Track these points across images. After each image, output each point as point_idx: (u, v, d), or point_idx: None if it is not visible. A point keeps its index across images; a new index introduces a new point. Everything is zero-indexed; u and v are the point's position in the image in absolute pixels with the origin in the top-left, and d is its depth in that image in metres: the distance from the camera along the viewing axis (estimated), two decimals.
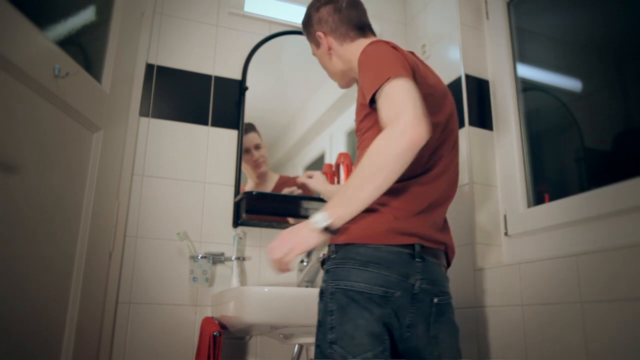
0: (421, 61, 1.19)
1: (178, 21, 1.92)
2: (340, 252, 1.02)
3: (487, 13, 1.90)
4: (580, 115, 1.58)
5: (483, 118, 1.78)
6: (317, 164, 1.95)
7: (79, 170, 1.45)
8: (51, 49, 1.29)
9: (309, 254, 1.68)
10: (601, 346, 1.15)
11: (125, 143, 1.70)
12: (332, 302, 1.00)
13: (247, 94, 1.90)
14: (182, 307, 1.67)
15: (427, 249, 1.03)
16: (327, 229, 0.92)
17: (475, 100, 1.78)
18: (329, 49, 1.25)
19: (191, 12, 1.95)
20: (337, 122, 2.02)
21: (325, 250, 1.71)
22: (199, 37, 1.93)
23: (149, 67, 1.83)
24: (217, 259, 1.72)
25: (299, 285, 1.69)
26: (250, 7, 2.04)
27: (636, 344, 1.07)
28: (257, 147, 1.88)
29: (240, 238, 1.76)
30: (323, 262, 1.08)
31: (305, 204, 1.81)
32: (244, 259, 1.76)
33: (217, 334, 1.43)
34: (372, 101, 0.97)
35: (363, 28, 1.24)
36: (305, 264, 1.68)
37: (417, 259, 1.01)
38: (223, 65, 1.94)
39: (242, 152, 1.85)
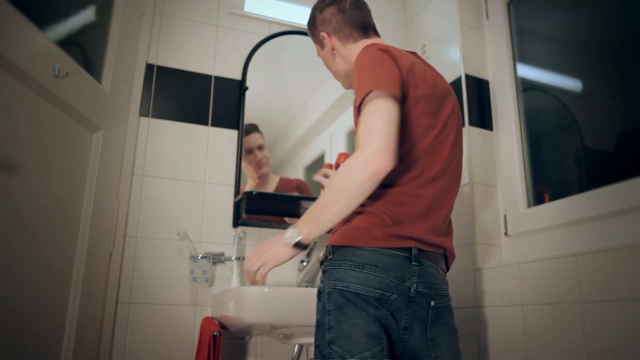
0: (422, 60, 1.19)
1: (178, 21, 1.92)
2: (338, 254, 1.03)
3: (487, 13, 1.90)
4: (580, 115, 1.58)
5: (483, 118, 1.78)
6: (317, 164, 1.95)
7: (79, 170, 1.45)
8: (51, 49, 1.29)
9: (308, 254, 1.69)
10: (601, 346, 1.15)
11: (125, 143, 1.70)
12: (329, 302, 1.00)
13: (247, 94, 1.91)
14: (182, 307, 1.67)
15: (424, 252, 1.03)
16: (298, 244, 1.00)
17: (475, 100, 1.78)
18: (333, 49, 1.25)
19: (191, 12, 1.95)
20: (337, 122, 2.02)
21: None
22: (199, 37, 1.93)
23: (149, 67, 1.83)
24: (217, 259, 1.72)
25: (298, 285, 1.69)
26: (250, 7, 2.04)
27: (636, 344, 1.07)
28: (260, 147, 1.88)
29: (240, 238, 1.76)
30: (321, 263, 1.08)
31: (305, 204, 1.81)
32: (244, 259, 1.76)
33: (217, 334, 1.43)
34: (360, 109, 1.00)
35: (366, 29, 1.24)
36: (305, 264, 1.68)
37: (414, 263, 1.01)
38: (223, 65, 1.94)
39: (245, 152, 1.85)
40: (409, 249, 1.01)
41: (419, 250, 1.02)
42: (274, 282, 1.75)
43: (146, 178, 1.74)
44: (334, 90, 1.94)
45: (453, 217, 1.17)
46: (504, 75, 1.77)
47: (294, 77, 2.02)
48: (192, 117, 1.84)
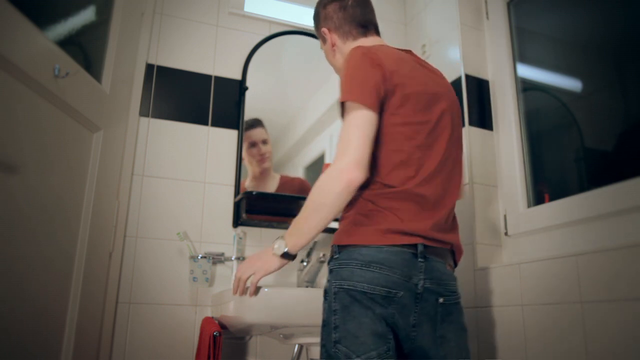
0: (417, 59, 1.20)
1: (178, 21, 1.92)
2: (344, 253, 1.03)
3: (487, 13, 1.90)
4: (580, 115, 1.58)
5: (483, 118, 1.78)
6: (317, 164, 1.95)
7: (79, 170, 1.45)
8: (51, 49, 1.29)
9: (308, 254, 1.69)
10: (601, 346, 1.15)
11: (125, 143, 1.70)
12: (335, 301, 1.00)
13: (247, 94, 1.91)
14: (182, 307, 1.67)
15: (430, 248, 1.03)
16: (285, 255, 1.07)
17: (475, 100, 1.79)
18: (333, 45, 1.28)
19: (191, 12, 1.95)
20: (337, 122, 2.01)
21: (325, 251, 1.71)
22: (199, 37, 1.93)
23: (149, 67, 1.83)
24: (217, 259, 1.72)
25: (299, 285, 1.69)
26: (250, 7, 2.04)
27: (636, 344, 1.07)
28: (265, 142, 1.89)
29: (240, 238, 1.76)
30: (327, 263, 1.09)
31: None
32: (244, 259, 1.76)
33: (217, 334, 1.43)
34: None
35: (367, 27, 1.26)
36: (305, 264, 1.68)
37: (420, 259, 1.01)
38: (223, 65, 1.94)
39: (248, 145, 1.86)
40: (415, 246, 1.01)
41: (425, 246, 1.02)
42: (274, 283, 1.75)
43: (146, 178, 1.74)
44: (334, 90, 1.93)
45: None
46: (504, 75, 1.77)
47: (294, 77, 2.02)
48: (192, 117, 1.84)
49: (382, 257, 0.99)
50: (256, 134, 1.88)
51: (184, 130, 1.82)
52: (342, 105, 1.06)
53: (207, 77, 1.90)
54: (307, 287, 1.65)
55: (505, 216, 1.68)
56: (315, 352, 1.46)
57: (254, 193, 1.73)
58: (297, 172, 1.93)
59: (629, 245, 1.13)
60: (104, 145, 1.54)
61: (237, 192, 1.81)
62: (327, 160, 1.96)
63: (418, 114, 1.07)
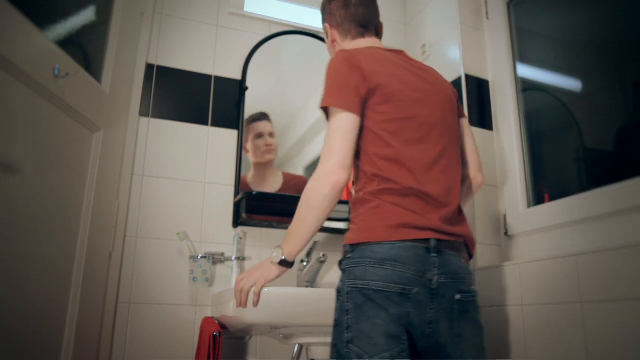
0: (404, 59, 1.21)
1: (178, 21, 1.92)
2: (356, 252, 1.03)
3: (487, 13, 1.90)
4: (580, 115, 1.58)
5: (483, 118, 1.78)
6: (317, 164, 1.95)
7: (79, 170, 1.45)
8: (51, 49, 1.29)
9: (308, 254, 1.69)
10: (601, 346, 1.15)
11: (125, 143, 1.70)
12: (348, 301, 1.00)
13: (247, 94, 1.91)
14: (182, 307, 1.67)
15: (444, 242, 1.03)
16: (283, 263, 1.09)
17: (475, 100, 1.78)
18: (333, 41, 1.31)
19: (191, 12, 1.95)
20: None
21: (325, 251, 1.72)
22: (199, 37, 1.93)
23: (149, 67, 1.83)
24: (217, 259, 1.72)
25: (299, 285, 1.69)
26: (250, 7, 2.04)
27: (636, 344, 1.07)
28: (271, 135, 1.90)
29: (240, 238, 1.76)
30: (340, 263, 1.09)
31: None
32: (244, 259, 1.76)
33: (217, 334, 1.43)
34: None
35: (367, 27, 1.27)
36: (305, 264, 1.68)
37: (433, 254, 1.01)
38: (223, 65, 1.94)
39: (254, 137, 1.87)
40: (427, 240, 1.01)
41: (438, 240, 1.02)
42: (274, 283, 1.74)
43: (146, 178, 1.74)
44: None
45: None
46: (504, 75, 1.77)
47: (294, 77, 2.02)
48: (192, 117, 1.84)
49: (395, 254, 0.99)
50: (263, 126, 1.90)
51: (184, 130, 1.82)
52: (326, 110, 1.10)
53: (207, 77, 1.90)
54: (307, 287, 1.65)
55: (505, 216, 1.68)
56: (316, 352, 1.46)
57: (254, 193, 1.73)
58: (297, 172, 1.93)
59: (629, 245, 1.13)
60: (104, 145, 1.54)
61: (237, 192, 1.81)
62: None
63: (402, 111, 1.09)
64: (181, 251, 1.71)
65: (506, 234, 1.66)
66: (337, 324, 1.02)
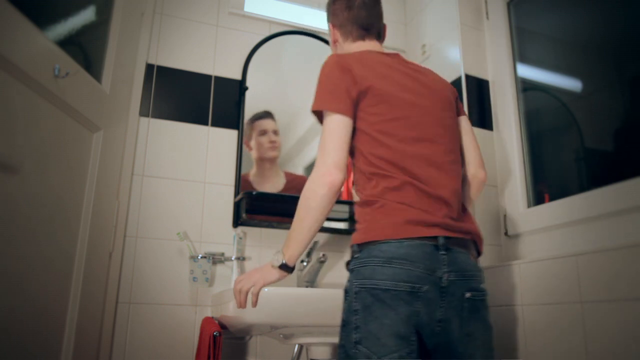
0: (398, 61, 1.21)
1: (178, 21, 1.92)
2: (364, 251, 1.02)
3: (487, 13, 1.90)
4: (580, 115, 1.58)
5: (483, 118, 1.78)
6: None
7: (79, 170, 1.45)
8: (51, 49, 1.29)
9: (308, 254, 1.69)
10: (601, 346, 1.15)
11: (125, 143, 1.70)
12: (356, 301, 1.00)
13: (247, 94, 1.91)
14: (182, 307, 1.67)
15: (452, 239, 1.03)
16: (283, 267, 1.10)
17: (475, 100, 1.79)
18: (335, 41, 1.32)
19: (191, 12, 1.95)
20: None
21: (325, 251, 1.71)
22: (199, 37, 1.93)
23: (149, 67, 1.83)
24: (217, 259, 1.72)
25: (299, 285, 1.69)
26: (250, 7, 2.04)
27: (636, 344, 1.07)
28: (275, 132, 1.90)
29: (240, 238, 1.76)
30: (347, 264, 1.09)
31: None
32: (244, 259, 1.76)
33: (217, 334, 1.43)
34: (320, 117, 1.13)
35: (368, 30, 1.28)
36: (305, 264, 1.68)
37: (442, 252, 1.00)
38: (223, 65, 1.94)
39: (259, 134, 1.88)
40: (435, 238, 1.01)
41: (447, 238, 1.02)
42: (274, 283, 1.74)
43: (146, 178, 1.74)
44: None
45: None
46: (504, 75, 1.77)
47: (294, 77, 2.02)
48: (192, 117, 1.85)
49: (403, 252, 0.98)
50: (267, 123, 1.90)
51: (184, 130, 1.82)
52: (319, 113, 1.13)
53: (207, 77, 1.90)
54: (307, 287, 1.65)
55: (505, 216, 1.68)
56: (316, 352, 1.46)
57: (254, 193, 1.73)
58: (298, 171, 1.93)
59: (629, 245, 1.13)
60: (104, 145, 1.54)
61: (237, 192, 1.81)
62: None
63: (395, 111, 1.10)
64: (181, 251, 1.71)
65: (506, 234, 1.66)
66: (345, 324, 1.02)
